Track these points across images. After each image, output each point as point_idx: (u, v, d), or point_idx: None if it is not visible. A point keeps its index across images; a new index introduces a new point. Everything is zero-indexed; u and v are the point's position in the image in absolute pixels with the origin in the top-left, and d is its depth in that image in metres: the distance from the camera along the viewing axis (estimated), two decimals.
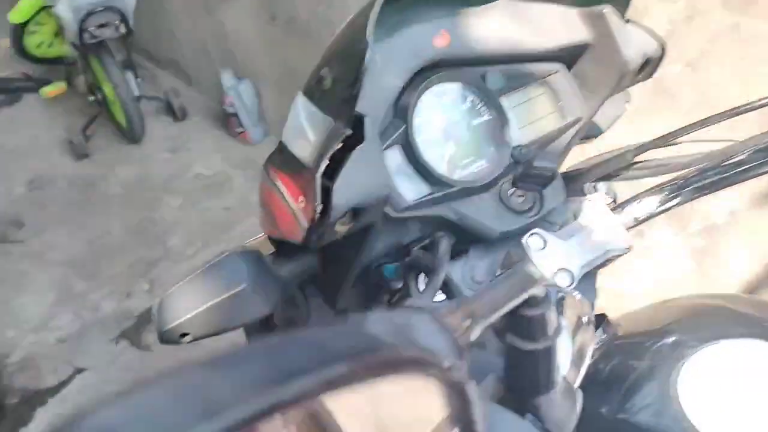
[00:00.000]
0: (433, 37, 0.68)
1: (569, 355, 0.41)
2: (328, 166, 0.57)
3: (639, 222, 0.70)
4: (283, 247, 0.79)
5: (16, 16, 3.54)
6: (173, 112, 3.60)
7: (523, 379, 0.40)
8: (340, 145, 0.57)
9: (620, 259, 1.98)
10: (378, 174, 0.59)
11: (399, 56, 0.66)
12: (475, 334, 0.27)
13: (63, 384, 2.28)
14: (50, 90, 3.89)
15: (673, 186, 0.69)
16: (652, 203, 0.69)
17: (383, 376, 0.20)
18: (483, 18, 0.71)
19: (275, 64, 2.99)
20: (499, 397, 0.41)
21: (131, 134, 3.35)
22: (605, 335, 0.73)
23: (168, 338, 0.70)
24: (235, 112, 3.24)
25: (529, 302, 0.36)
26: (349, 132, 0.57)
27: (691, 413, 0.55)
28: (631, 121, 0.92)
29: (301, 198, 0.61)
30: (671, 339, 0.64)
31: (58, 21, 3.02)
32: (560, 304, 0.54)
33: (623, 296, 1.94)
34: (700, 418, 0.55)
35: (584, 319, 0.53)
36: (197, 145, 3.46)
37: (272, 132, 3.41)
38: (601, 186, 0.81)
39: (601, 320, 0.77)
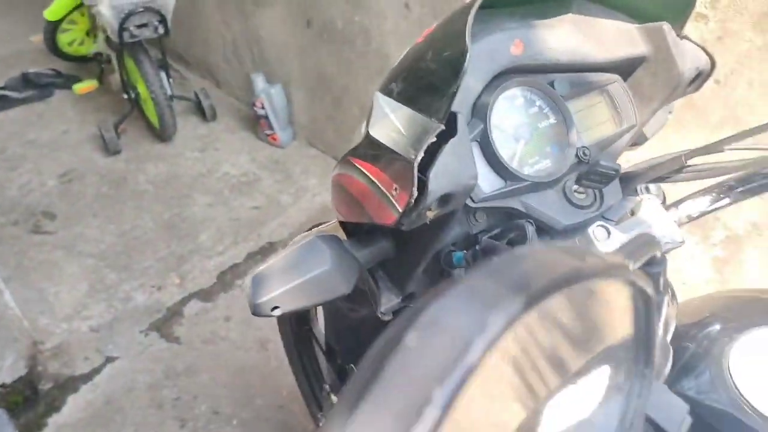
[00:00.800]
0: (509, 45, 0.75)
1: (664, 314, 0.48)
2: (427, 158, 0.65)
3: (691, 219, 0.77)
4: (357, 233, 0.86)
5: (51, 13, 3.65)
6: (203, 113, 3.68)
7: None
8: (435, 139, 0.65)
9: None
10: (468, 165, 0.66)
11: (480, 61, 0.73)
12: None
13: (95, 372, 2.34)
14: (83, 86, 4.00)
15: (722, 187, 0.77)
16: (703, 203, 0.76)
17: (598, 278, 0.27)
18: (553, 30, 0.79)
19: (307, 69, 3.08)
20: None
21: (163, 132, 3.44)
22: None
23: (260, 311, 0.77)
24: (265, 115, 3.32)
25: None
26: (442, 127, 0.65)
27: (741, 386, 0.62)
28: (662, 133, 0.99)
29: (395, 186, 0.68)
30: (719, 326, 0.71)
31: (99, 19, 3.11)
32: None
33: None
34: (750, 391, 0.62)
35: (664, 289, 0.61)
36: (226, 146, 3.55)
37: (300, 136, 3.49)
38: (653, 187, 0.88)
39: None
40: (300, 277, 0.77)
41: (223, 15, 3.52)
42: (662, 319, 0.45)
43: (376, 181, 0.73)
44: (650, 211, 0.74)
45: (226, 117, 3.78)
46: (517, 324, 0.23)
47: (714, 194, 0.76)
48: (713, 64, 0.85)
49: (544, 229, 0.78)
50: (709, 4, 1.50)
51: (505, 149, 0.76)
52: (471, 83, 0.73)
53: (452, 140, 0.64)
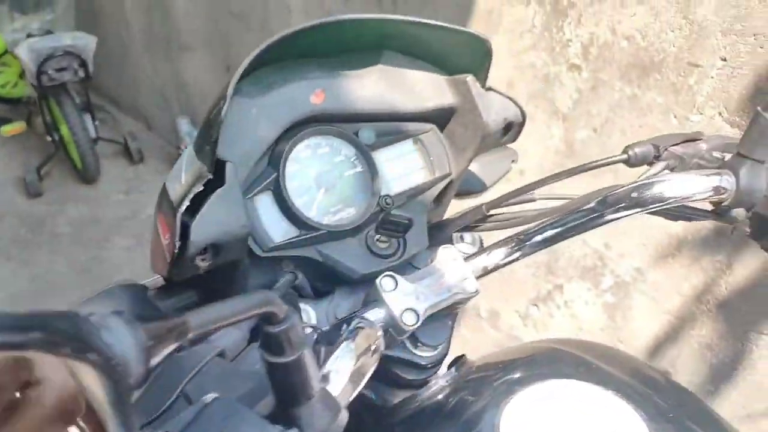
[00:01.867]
0: (309, 94, 0.76)
1: (317, 369, 0.47)
2: (196, 206, 0.64)
3: (488, 271, 0.77)
4: (169, 284, 0.85)
5: None
6: (130, 155, 3.65)
7: (281, 392, 0.46)
8: (201, 187, 0.64)
9: (543, 312, 2.09)
10: (236, 216, 0.65)
11: (274, 110, 0.73)
12: (167, 350, 0.32)
13: None
14: (10, 128, 3.93)
15: (516, 240, 0.77)
16: (498, 255, 0.77)
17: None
18: (359, 80, 0.79)
19: None
20: (271, 411, 0.47)
21: (85, 175, 3.39)
22: (457, 373, 0.79)
23: None
24: None
25: (270, 320, 0.42)
26: (209, 176, 0.64)
27: None
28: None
29: (167, 235, 0.67)
30: (504, 377, 0.70)
31: (20, 63, 3.09)
32: (354, 332, 0.60)
33: None
34: None
35: (372, 347, 0.60)
36: (152, 188, 3.51)
37: None
38: (467, 236, 0.89)
39: (458, 360, 0.83)
40: None
41: (151, 59, 3.52)
42: (309, 374, 0.44)
43: (159, 231, 0.72)
44: (446, 261, 0.74)
45: (154, 159, 3.74)
46: None
47: (509, 246, 0.76)
48: (523, 115, 0.86)
49: (344, 279, 0.77)
50: (581, 56, 1.54)
51: (302, 198, 0.75)
52: (264, 131, 0.73)
53: (219, 190, 0.64)
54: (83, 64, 3.04)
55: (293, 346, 0.43)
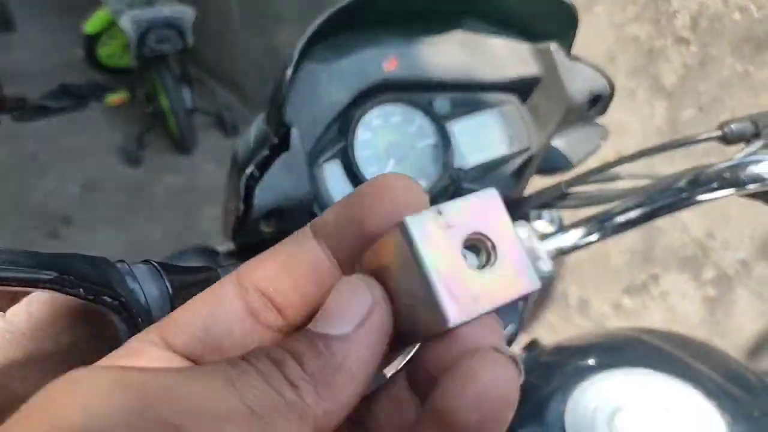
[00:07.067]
0: (382, 61, 0.73)
1: None
2: (262, 171, 0.63)
3: (564, 252, 0.72)
4: (240, 249, 0.85)
5: (90, 27, 3.78)
6: (225, 128, 3.74)
7: None
8: (267, 152, 0.62)
9: (636, 303, 2.00)
10: (301, 182, 0.63)
11: (346, 76, 0.71)
12: None
13: None
14: (114, 98, 4.11)
15: (596, 220, 0.72)
16: (576, 235, 0.72)
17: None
18: (435, 47, 0.76)
19: None
20: None
21: (182, 145, 3.50)
22: (528, 356, 0.75)
23: None
24: None
25: None
26: (274, 140, 0.63)
27: None
28: (649, 162, 0.94)
29: (234, 198, 0.66)
30: (576, 363, 0.66)
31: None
32: None
33: None
34: None
35: None
36: None
37: None
38: (546, 214, 0.84)
39: (530, 345, 0.79)
40: None
41: (247, 31, 3.57)
42: None
43: (229, 194, 0.71)
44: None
45: None
46: None
47: (587, 227, 0.71)
48: (612, 87, 0.80)
49: None
50: (689, 28, 1.43)
51: (371, 167, 0.73)
52: (334, 97, 0.71)
53: (283, 155, 0.62)
54: (182, 35, 3.12)
55: None
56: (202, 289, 0.27)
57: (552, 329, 2.34)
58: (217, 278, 0.32)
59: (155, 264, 0.29)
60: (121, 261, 0.29)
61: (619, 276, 1.92)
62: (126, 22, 2.95)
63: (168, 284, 0.29)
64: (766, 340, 1.60)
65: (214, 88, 4.35)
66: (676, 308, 1.79)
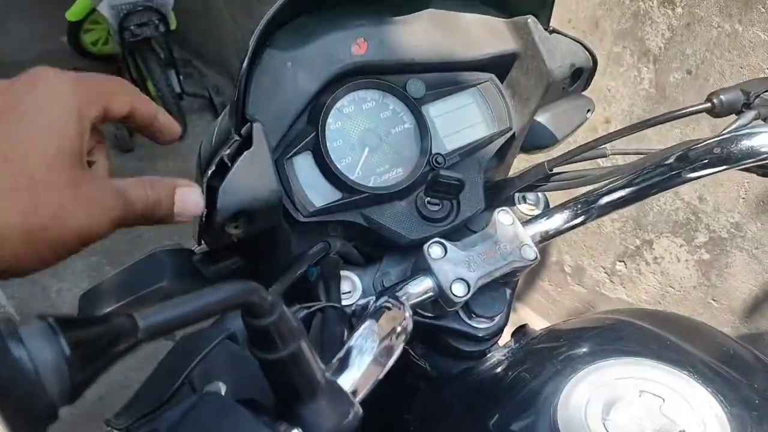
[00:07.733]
0: (350, 44, 0.69)
1: (317, 361, 0.41)
2: (225, 170, 0.59)
3: (549, 236, 0.70)
4: (216, 249, 0.82)
5: (72, 14, 3.73)
6: (215, 109, 3.69)
7: (279, 389, 0.41)
8: (228, 150, 0.59)
9: (630, 269, 1.98)
10: (266, 181, 0.60)
11: (312, 63, 0.67)
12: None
13: None
14: None
15: (582, 201, 0.69)
16: (561, 219, 0.69)
17: None
18: (406, 26, 0.72)
19: None
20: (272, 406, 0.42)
21: None
22: (516, 346, 0.73)
23: None
24: None
25: (254, 312, 0.37)
26: (235, 137, 0.59)
27: None
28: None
29: None
30: (565, 354, 0.63)
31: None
32: (378, 312, 0.54)
33: (632, 306, 1.91)
34: None
35: (398, 328, 0.54)
36: None
37: None
38: (531, 196, 0.81)
39: (519, 331, 0.77)
40: (134, 293, 0.72)
41: (231, 12, 3.51)
42: (311, 368, 0.39)
43: None
44: (501, 225, 0.67)
45: None
46: None
47: (573, 210, 0.69)
48: (594, 59, 0.76)
49: (391, 245, 0.72)
50: None
51: (345, 158, 0.70)
52: (301, 86, 0.67)
53: (246, 153, 0.59)
54: (163, 18, 3.06)
55: (285, 340, 0.38)
56: (111, 342, 0.24)
57: (548, 297, 2.33)
58: (133, 327, 0.29)
59: (50, 321, 0.26)
60: (8, 320, 0.25)
61: (613, 243, 1.90)
62: (105, 9, 2.90)
63: (65, 345, 0.26)
64: (762, 301, 1.58)
65: (201, 71, 4.29)
66: (671, 273, 1.77)
